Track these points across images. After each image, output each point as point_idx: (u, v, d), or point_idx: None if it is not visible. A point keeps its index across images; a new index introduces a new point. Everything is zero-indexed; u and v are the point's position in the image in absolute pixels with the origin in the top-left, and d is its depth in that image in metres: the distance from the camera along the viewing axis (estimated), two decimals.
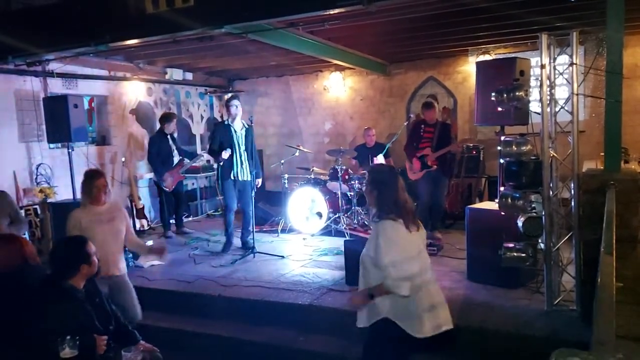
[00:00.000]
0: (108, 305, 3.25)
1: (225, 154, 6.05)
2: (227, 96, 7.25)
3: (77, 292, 2.99)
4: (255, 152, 6.33)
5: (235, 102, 6.21)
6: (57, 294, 2.89)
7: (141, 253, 4.45)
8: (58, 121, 6.27)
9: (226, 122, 6.24)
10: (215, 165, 9.40)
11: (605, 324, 1.38)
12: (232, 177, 6.19)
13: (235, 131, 6.18)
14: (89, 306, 3.02)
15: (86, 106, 7.45)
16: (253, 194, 6.17)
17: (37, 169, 6.79)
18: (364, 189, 3.28)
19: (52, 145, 6.94)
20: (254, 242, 6.10)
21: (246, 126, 6.24)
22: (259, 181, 6.42)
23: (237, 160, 6.17)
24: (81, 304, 2.97)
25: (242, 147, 6.18)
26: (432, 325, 2.83)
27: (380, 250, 2.75)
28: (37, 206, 6.60)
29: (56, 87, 7.08)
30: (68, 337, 2.50)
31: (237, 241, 6.50)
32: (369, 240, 2.96)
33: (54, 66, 6.89)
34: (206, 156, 8.61)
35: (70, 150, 6.48)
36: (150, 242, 6.69)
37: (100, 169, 4.01)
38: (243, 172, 6.19)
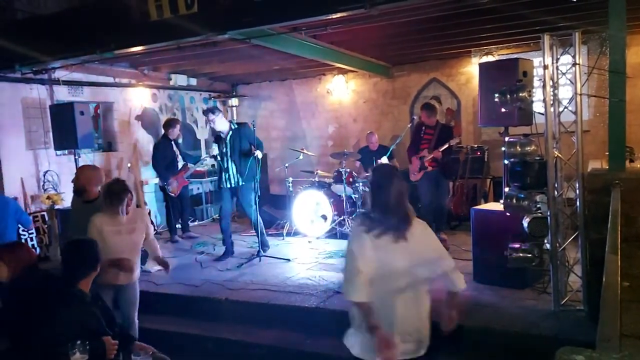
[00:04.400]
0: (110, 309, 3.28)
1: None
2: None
3: (86, 296, 3.02)
4: (247, 148, 6.08)
5: (210, 116, 6.09)
6: (67, 299, 2.92)
7: (150, 256, 4.45)
8: (64, 128, 6.33)
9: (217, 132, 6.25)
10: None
11: (610, 322, 1.39)
12: (224, 185, 6.17)
13: (222, 138, 6.16)
14: (97, 310, 3.04)
15: (92, 113, 7.49)
16: (247, 200, 6.12)
17: (44, 175, 6.85)
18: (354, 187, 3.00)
19: (58, 152, 6.99)
20: (259, 246, 6.12)
21: (233, 127, 6.16)
22: (257, 152, 6.06)
23: (225, 167, 6.14)
24: (90, 307, 3.00)
25: (229, 152, 6.09)
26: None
27: (348, 256, 2.56)
28: (44, 213, 6.65)
29: (62, 94, 7.14)
30: (78, 342, 2.52)
31: (241, 245, 6.53)
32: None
33: (60, 74, 6.96)
34: (209, 160, 8.65)
35: (77, 157, 6.53)
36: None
37: (125, 181, 3.93)
38: (230, 177, 6.12)
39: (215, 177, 9.26)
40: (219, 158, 6.24)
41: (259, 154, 6.08)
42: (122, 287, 3.87)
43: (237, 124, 6.31)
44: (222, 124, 6.13)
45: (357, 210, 7.17)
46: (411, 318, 2.54)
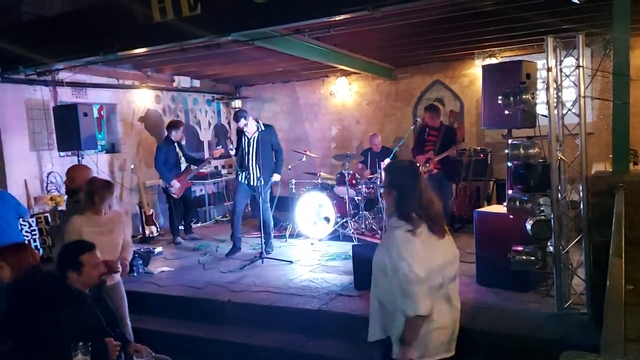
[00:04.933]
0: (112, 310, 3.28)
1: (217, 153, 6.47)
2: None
3: (85, 296, 3.01)
4: (270, 153, 6.34)
5: (241, 121, 6.20)
6: (65, 299, 2.92)
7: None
8: (68, 130, 6.35)
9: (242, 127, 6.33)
10: (224, 171, 9.58)
11: (614, 326, 1.38)
12: (242, 180, 6.27)
13: (247, 137, 6.26)
14: (97, 310, 3.04)
15: (96, 114, 7.52)
16: (263, 197, 6.20)
17: (47, 177, 6.87)
18: (381, 190, 2.67)
19: (62, 154, 7.01)
20: (262, 248, 6.12)
21: (261, 129, 6.27)
22: (276, 176, 6.42)
23: (246, 165, 6.27)
24: (90, 308, 2.99)
25: (253, 152, 6.22)
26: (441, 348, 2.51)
27: (402, 265, 2.37)
28: (47, 214, 6.66)
29: (66, 96, 7.16)
30: (80, 344, 2.52)
31: (244, 246, 6.55)
32: (383, 246, 2.59)
33: (64, 75, 6.98)
34: (213, 162, 8.66)
35: (80, 159, 6.54)
36: (159, 249, 6.79)
37: (110, 181, 3.92)
38: (251, 177, 6.25)
39: (219, 179, 9.35)
40: (241, 152, 6.29)
41: (276, 177, 6.38)
42: (107, 288, 3.76)
43: (264, 125, 6.38)
44: (252, 127, 6.25)
45: (360, 212, 7.17)
46: (446, 315, 2.52)
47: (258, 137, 6.22)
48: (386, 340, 2.55)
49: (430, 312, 2.37)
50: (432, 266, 2.41)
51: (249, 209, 8.17)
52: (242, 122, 6.19)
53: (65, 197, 6.64)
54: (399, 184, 2.54)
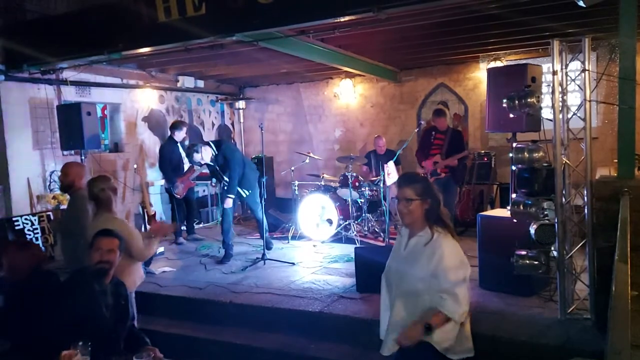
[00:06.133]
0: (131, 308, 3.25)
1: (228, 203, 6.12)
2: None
3: (93, 282, 3.00)
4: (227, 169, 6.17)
5: (195, 156, 6.08)
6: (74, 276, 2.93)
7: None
8: (71, 129, 6.35)
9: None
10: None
11: (620, 333, 1.36)
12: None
13: (209, 164, 6.25)
14: (106, 300, 3.02)
15: (99, 114, 7.52)
16: (253, 204, 6.29)
17: (50, 176, 6.88)
18: (411, 202, 2.54)
19: (65, 153, 7.02)
20: (264, 249, 6.11)
21: (214, 153, 6.14)
22: (227, 202, 6.16)
23: (223, 185, 6.29)
24: (96, 294, 2.97)
25: (221, 175, 6.22)
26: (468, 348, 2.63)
27: (448, 272, 2.46)
28: (50, 213, 6.66)
29: (70, 95, 7.17)
30: (80, 343, 2.50)
31: (246, 248, 6.55)
32: (416, 262, 2.57)
33: (68, 74, 6.99)
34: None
35: (83, 158, 6.54)
36: (161, 249, 6.78)
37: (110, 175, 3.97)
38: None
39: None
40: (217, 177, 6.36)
41: (227, 203, 6.13)
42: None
43: (215, 143, 6.28)
44: (207, 155, 6.12)
45: (363, 215, 7.15)
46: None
47: (217, 160, 6.15)
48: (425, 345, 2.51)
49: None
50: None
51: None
52: (197, 156, 6.07)
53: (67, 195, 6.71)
54: (433, 192, 2.61)
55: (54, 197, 6.59)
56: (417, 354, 2.47)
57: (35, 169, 6.78)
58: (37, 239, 6.43)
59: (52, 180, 6.86)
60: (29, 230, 6.37)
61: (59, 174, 4.39)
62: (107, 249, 3.04)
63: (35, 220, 6.48)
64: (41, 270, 3.30)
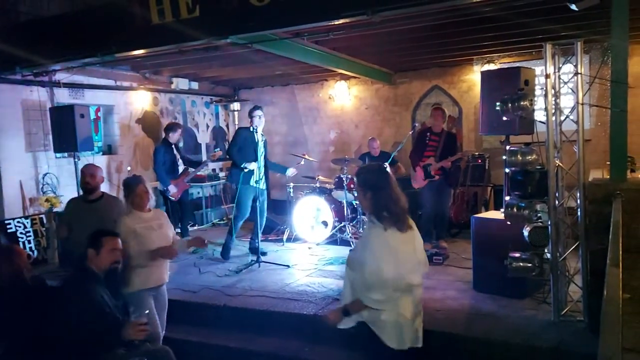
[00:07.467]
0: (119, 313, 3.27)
1: (253, 166, 6.05)
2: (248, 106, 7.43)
3: (98, 278, 3.18)
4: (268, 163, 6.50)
5: (257, 112, 6.17)
6: (78, 275, 3.11)
7: (183, 249, 4.44)
8: (65, 131, 6.31)
9: (251, 128, 6.16)
10: (222, 174, 9.51)
11: (611, 337, 1.37)
12: (252, 184, 6.17)
13: (258, 139, 6.19)
14: (107, 293, 3.14)
15: (92, 116, 7.50)
16: (262, 199, 6.26)
17: (43, 178, 6.84)
18: (355, 194, 2.99)
19: (58, 155, 6.98)
20: (258, 251, 6.09)
21: (264, 138, 6.34)
22: (291, 170, 6.81)
23: (258, 168, 6.18)
24: (100, 288, 3.12)
25: (261, 153, 6.23)
26: (411, 337, 2.71)
27: (367, 260, 2.59)
28: (42, 215, 6.62)
29: (63, 97, 7.14)
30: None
31: (241, 250, 6.52)
32: (357, 249, 2.79)
33: (61, 76, 6.96)
34: (211, 165, 8.63)
35: (76, 160, 6.50)
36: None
37: (141, 176, 4.01)
38: (261, 180, 6.21)
39: (216, 182, 9.30)
40: (245, 152, 6.15)
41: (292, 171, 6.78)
42: (160, 288, 3.99)
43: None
44: (261, 126, 6.23)
45: (358, 217, 7.14)
46: (409, 307, 2.76)
47: (265, 143, 6.31)
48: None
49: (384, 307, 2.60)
50: (399, 264, 2.59)
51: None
52: (258, 113, 6.12)
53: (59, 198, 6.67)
54: (372, 184, 2.69)
55: (46, 200, 6.55)
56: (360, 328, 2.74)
57: (28, 171, 6.74)
58: (29, 242, 6.39)
59: (44, 183, 6.83)
60: (21, 233, 6.32)
61: (83, 176, 4.42)
62: (120, 249, 3.26)
63: (27, 223, 6.43)
64: (23, 277, 3.28)
